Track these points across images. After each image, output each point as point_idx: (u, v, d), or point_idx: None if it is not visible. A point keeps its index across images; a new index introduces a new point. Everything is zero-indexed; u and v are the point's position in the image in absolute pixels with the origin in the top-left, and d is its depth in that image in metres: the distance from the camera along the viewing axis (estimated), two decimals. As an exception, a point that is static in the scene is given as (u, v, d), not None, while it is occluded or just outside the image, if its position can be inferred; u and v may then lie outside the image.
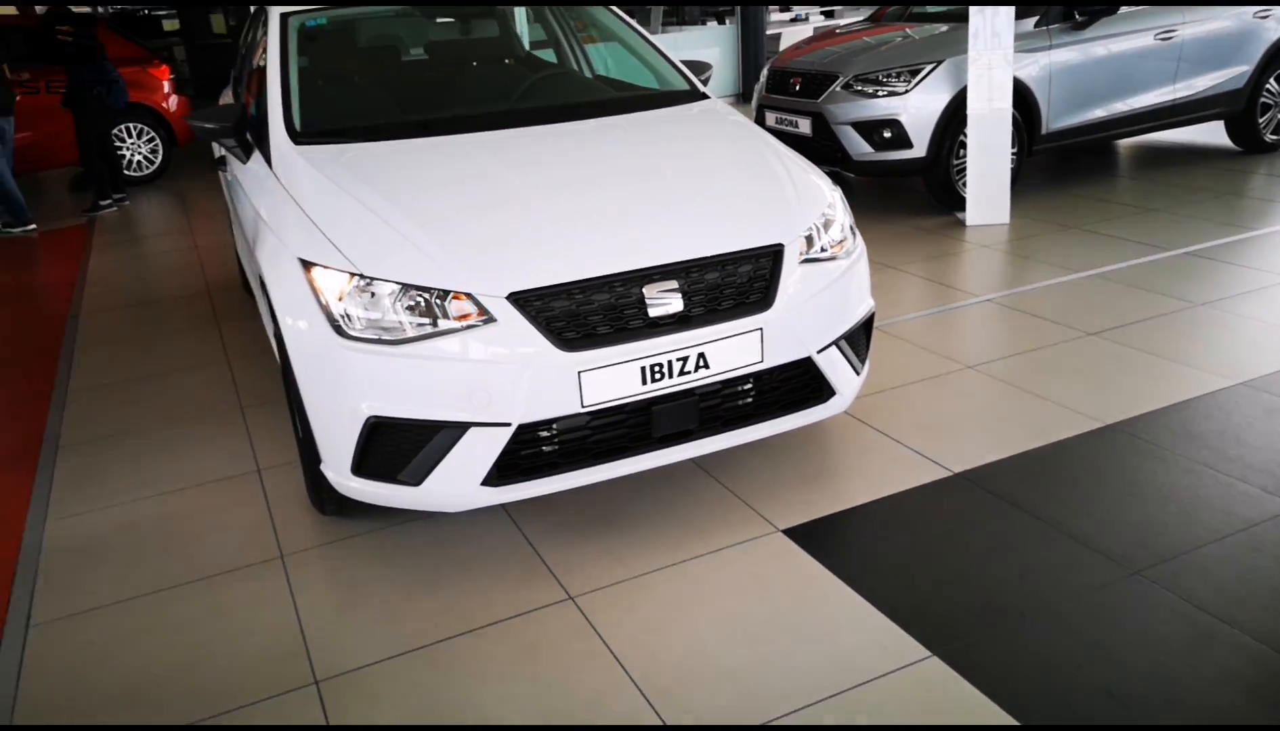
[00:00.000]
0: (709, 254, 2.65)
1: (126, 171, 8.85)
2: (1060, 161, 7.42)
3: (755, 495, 3.03)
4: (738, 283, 2.68)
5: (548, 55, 4.56)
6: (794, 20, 13.06)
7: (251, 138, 3.43)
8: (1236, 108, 6.95)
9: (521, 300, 2.48)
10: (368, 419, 2.52)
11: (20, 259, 7.01)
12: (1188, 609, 2.39)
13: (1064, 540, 2.70)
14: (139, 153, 9.13)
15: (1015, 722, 2.08)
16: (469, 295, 2.49)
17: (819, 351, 2.81)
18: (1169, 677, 2.18)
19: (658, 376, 2.57)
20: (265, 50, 3.58)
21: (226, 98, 5.10)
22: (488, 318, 2.47)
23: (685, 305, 2.60)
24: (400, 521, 3.01)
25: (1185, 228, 5.53)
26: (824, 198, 3.00)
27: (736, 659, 2.33)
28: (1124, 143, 7.71)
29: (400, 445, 2.55)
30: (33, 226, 7.46)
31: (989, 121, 5.76)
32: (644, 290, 2.57)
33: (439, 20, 4.07)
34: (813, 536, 2.81)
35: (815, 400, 2.88)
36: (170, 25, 16.51)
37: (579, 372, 2.49)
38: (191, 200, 8.46)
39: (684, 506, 2.99)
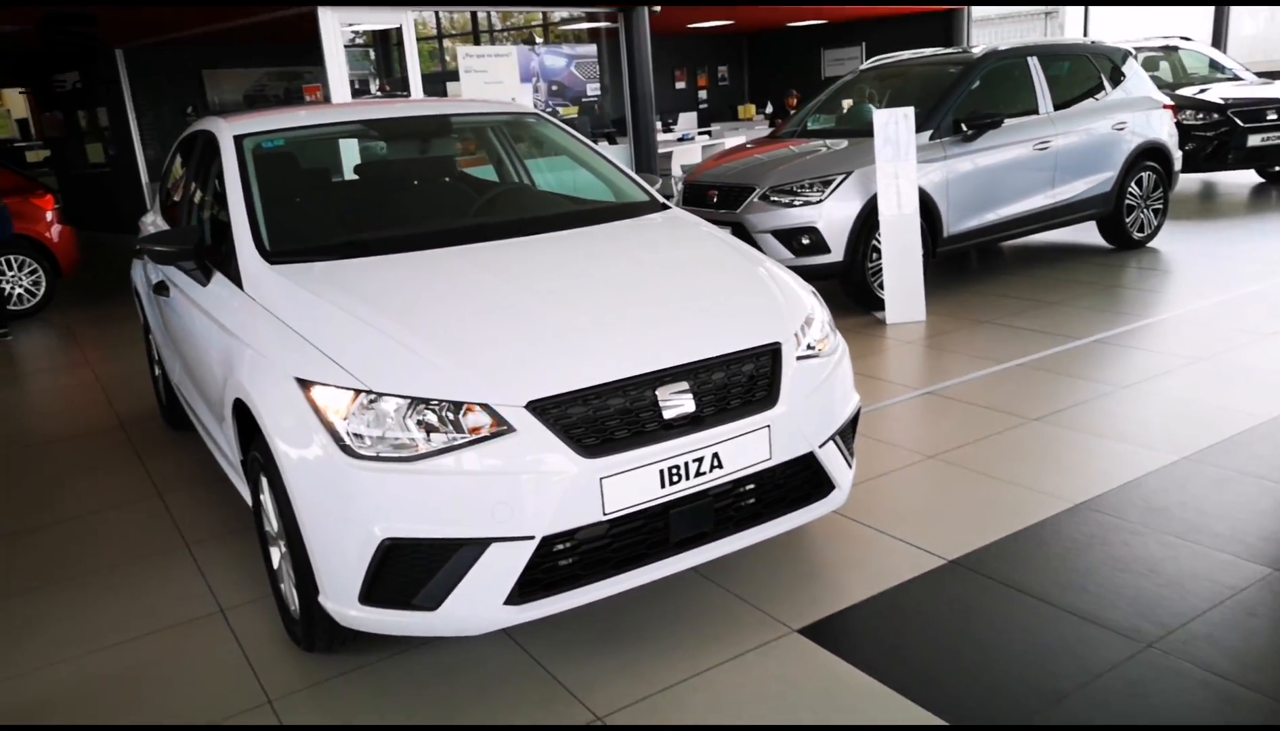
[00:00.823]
0: (715, 354, 2.67)
1: (7, 305, 8.34)
2: (953, 263, 7.89)
3: (760, 596, 2.99)
4: (743, 381, 2.71)
5: (487, 172, 4.60)
6: (680, 140, 13.64)
7: (209, 261, 3.31)
8: (1107, 209, 7.59)
9: (540, 408, 2.43)
10: (382, 541, 2.38)
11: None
12: (1209, 677, 2.46)
13: (1070, 618, 2.76)
14: (20, 285, 8.63)
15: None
16: (485, 406, 2.42)
17: (820, 446, 2.85)
18: (1212, 744, 2.22)
19: (675, 479, 2.55)
20: (220, 173, 3.49)
21: (151, 222, 4.91)
22: (505, 428, 2.41)
23: (697, 406, 2.60)
24: (394, 652, 2.83)
25: (1087, 318, 5.92)
26: (806, 299, 3.09)
27: (790, 767, 2.25)
28: (1007, 244, 8.26)
29: (415, 568, 2.42)
30: None
31: (900, 225, 6.10)
32: (657, 393, 2.56)
33: (396, 140, 4.06)
34: (828, 633, 2.78)
35: (817, 496, 2.90)
36: (36, 156, 15.92)
37: (600, 479, 2.44)
38: (80, 331, 8.01)
39: (692, 614, 2.93)
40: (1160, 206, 7.92)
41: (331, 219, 3.60)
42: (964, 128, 6.70)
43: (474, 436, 2.40)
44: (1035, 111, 7.17)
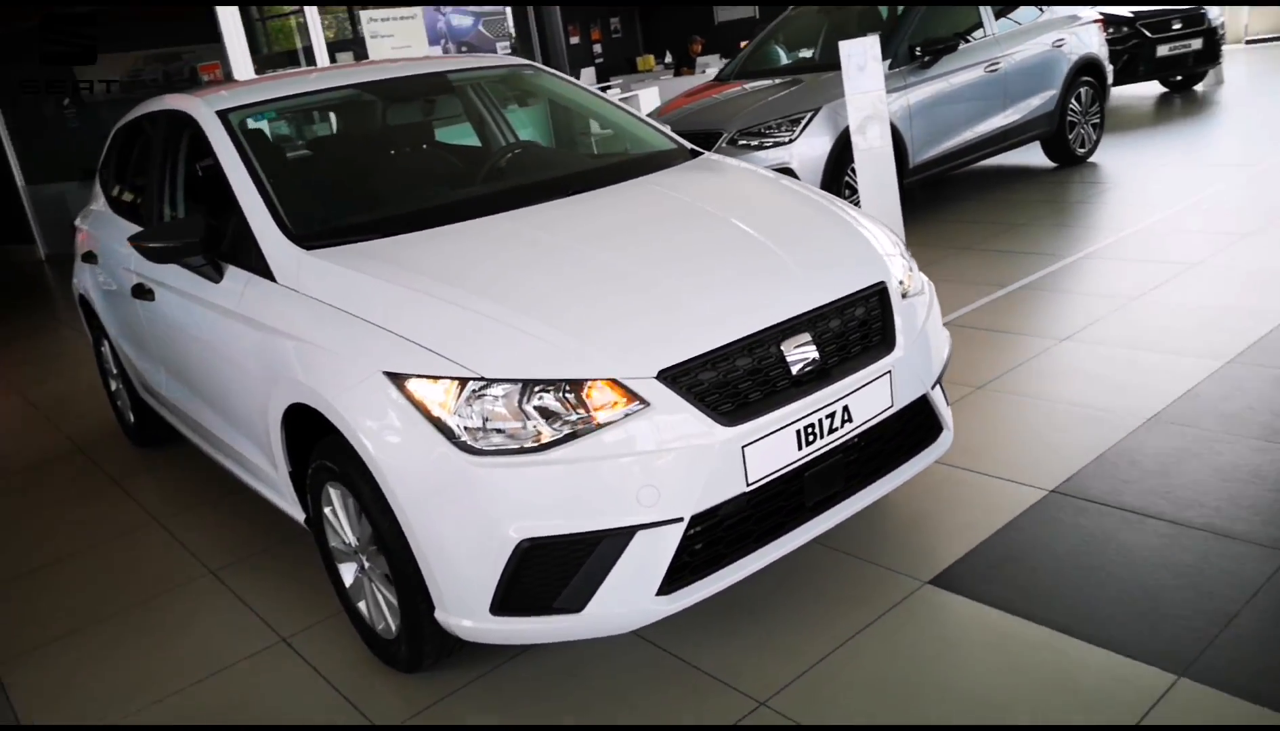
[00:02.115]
0: (829, 300, 2.48)
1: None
2: (908, 197, 7.85)
3: (874, 552, 2.85)
4: (857, 327, 2.54)
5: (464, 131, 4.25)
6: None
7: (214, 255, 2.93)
8: (1052, 127, 7.66)
9: (671, 377, 2.20)
10: (519, 543, 2.13)
11: None
12: (1365, 575, 2.43)
13: (1199, 534, 2.69)
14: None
15: (1307, 725, 2.00)
16: (611, 381, 2.18)
17: (931, 387, 2.70)
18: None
19: (811, 438, 2.36)
20: (206, 156, 3.09)
21: (89, 223, 4.40)
22: (638, 402, 2.17)
23: (821, 357, 2.41)
24: (501, 661, 2.59)
25: (1064, 235, 5.96)
26: (889, 236, 2.93)
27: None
28: (952, 174, 8.28)
29: (555, 568, 2.17)
30: None
31: (874, 157, 5.98)
32: (782, 348, 2.36)
33: (398, 103, 3.68)
34: (960, 581, 2.66)
35: (929, 440, 2.76)
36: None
37: (743, 447, 2.23)
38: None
39: (812, 581, 2.76)
40: (1098, 120, 8.04)
41: (351, 194, 3.23)
42: (920, 54, 6.62)
43: (604, 416, 2.16)
44: (983, 32, 7.14)
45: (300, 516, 2.86)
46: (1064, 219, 6.38)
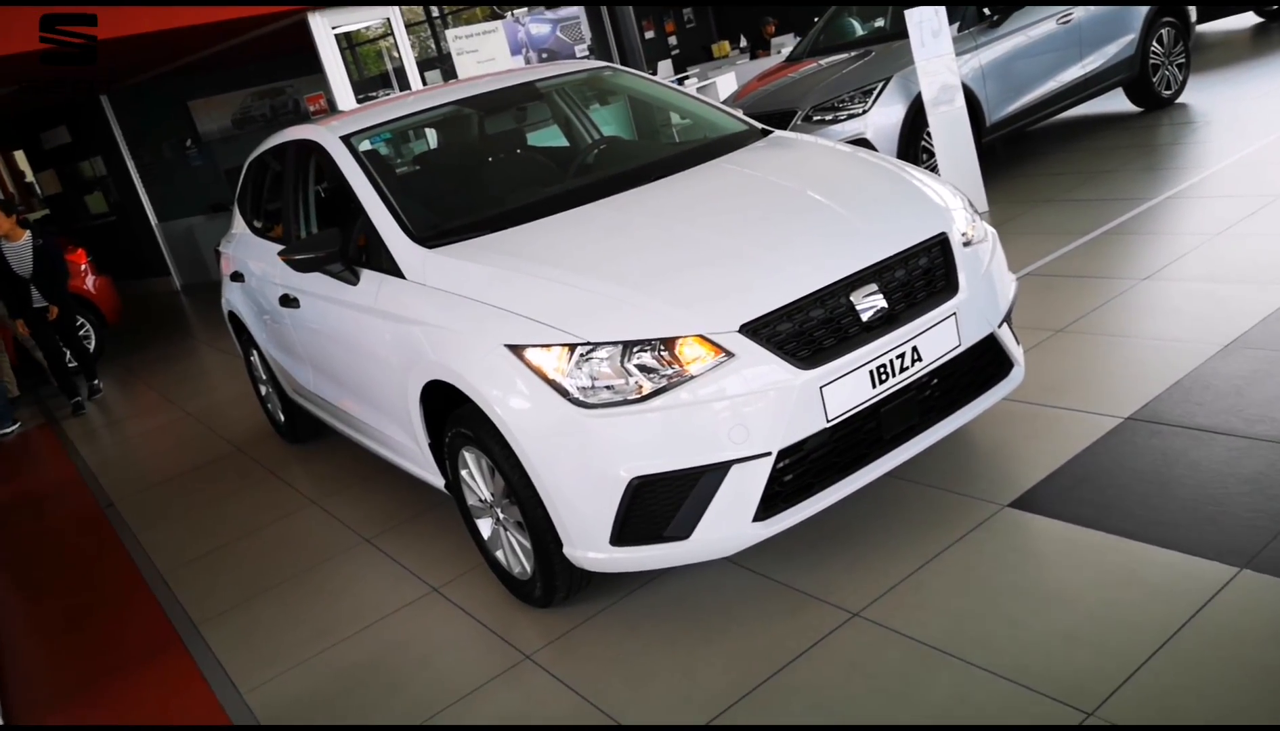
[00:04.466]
0: (893, 252, 2.74)
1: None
2: (992, 155, 7.90)
3: (955, 482, 3.09)
4: (921, 274, 2.79)
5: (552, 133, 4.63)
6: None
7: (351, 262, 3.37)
8: (1133, 72, 7.58)
9: (752, 329, 2.51)
10: (630, 481, 2.47)
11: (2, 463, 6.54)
12: None
13: (1272, 446, 2.84)
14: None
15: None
16: (699, 337, 2.50)
17: (998, 327, 2.93)
18: None
19: (884, 377, 2.63)
20: (336, 177, 3.54)
21: (232, 248, 4.95)
22: (724, 354, 2.49)
23: (889, 304, 2.68)
24: (624, 594, 2.94)
25: (1147, 178, 5.97)
26: (951, 191, 3.15)
27: (1068, 624, 2.34)
28: (1037, 127, 8.27)
29: (663, 501, 2.51)
30: (15, 426, 7.05)
31: (949, 120, 6.12)
32: (851, 298, 2.63)
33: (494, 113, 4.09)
34: (1039, 502, 2.88)
35: (1000, 376, 2.98)
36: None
37: (820, 388, 2.52)
38: (145, 376, 8.08)
39: (895, 510, 3.02)
40: (1183, 61, 7.92)
41: (460, 197, 3.65)
42: (989, 13, 6.70)
43: (695, 368, 2.48)
44: (1052, -16, 7.16)
45: (440, 482, 3.27)
46: (1152, 162, 6.38)
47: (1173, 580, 2.40)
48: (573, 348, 2.54)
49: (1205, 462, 2.86)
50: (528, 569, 2.92)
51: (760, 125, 3.87)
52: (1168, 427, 3.09)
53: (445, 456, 3.08)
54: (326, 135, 3.70)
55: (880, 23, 7.86)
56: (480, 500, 3.04)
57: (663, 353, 2.51)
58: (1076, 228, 5.35)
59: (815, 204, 2.99)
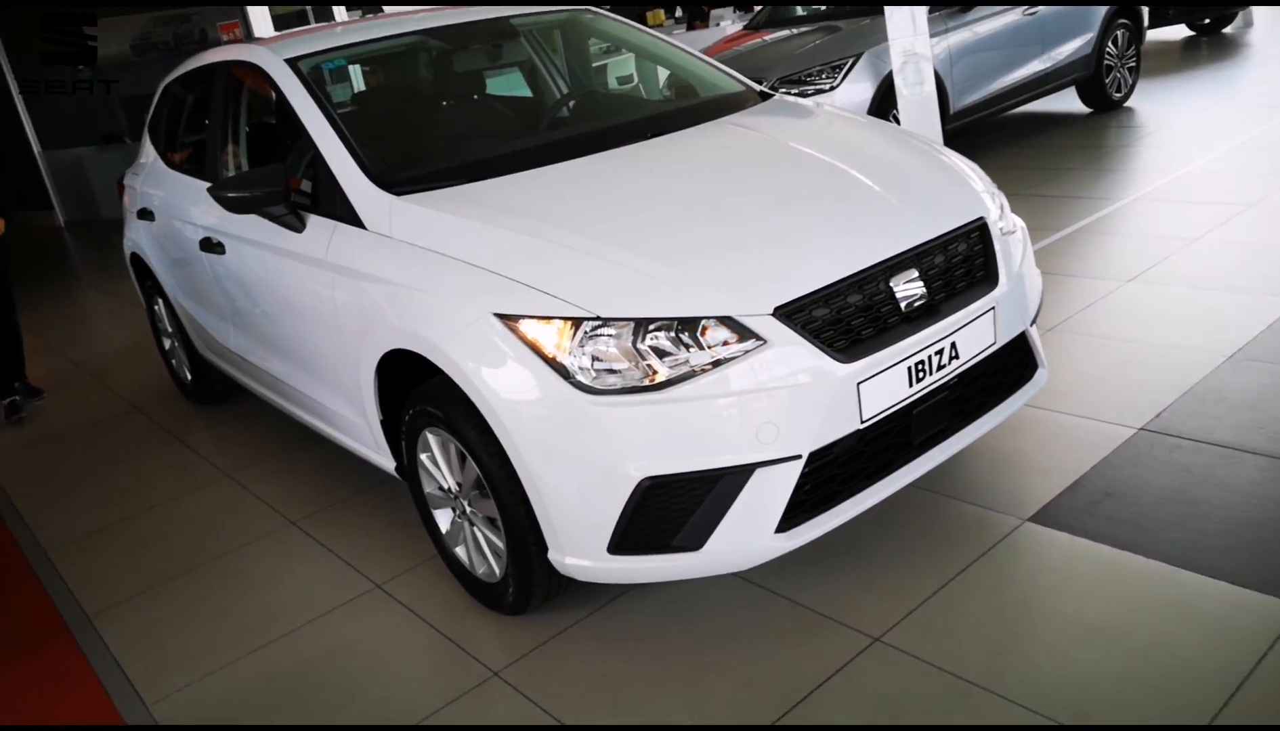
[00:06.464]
0: (934, 236, 2.45)
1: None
2: (950, 144, 7.76)
3: (969, 493, 2.84)
4: (960, 263, 2.50)
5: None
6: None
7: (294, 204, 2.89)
8: (1089, 71, 7.54)
9: (787, 314, 2.17)
10: (640, 482, 2.11)
11: None
12: None
13: (1296, 467, 2.68)
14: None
15: None
16: (726, 319, 2.15)
17: (1030, 324, 2.68)
18: None
19: (921, 375, 2.34)
20: (280, 106, 3.05)
21: (140, 181, 4.35)
22: (755, 340, 2.15)
23: (929, 293, 2.38)
24: (603, 603, 2.59)
25: (1110, 179, 5.89)
26: (980, 173, 2.88)
27: (1120, 663, 2.10)
28: (983, 121, 8.18)
29: (674, 507, 2.16)
30: None
31: (919, 103, 5.89)
32: (891, 284, 2.33)
33: (462, 49, 3.62)
34: (1062, 518, 2.65)
35: (1026, 377, 2.73)
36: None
37: (858, 384, 2.21)
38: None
39: (911, 523, 2.75)
40: (1134, 64, 7.92)
41: (429, 140, 3.19)
42: (957, -2, 6.51)
43: (722, 354, 2.13)
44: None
45: (390, 465, 2.85)
46: (1107, 163, 6.31)
47: (1228, 615, 2.19)
48: (577, 322, 2.15)
49: (1236, 483, 2.67)
50: (496, 571, 2.54)
51: (759, 86, 3.53)
52: (1187, 442, 2.90)
53: (402, 437, 2.67)
54: (269, 56, 3.19)
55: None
56: (442, 489, 2.64)
57: (683, 334, 2.15)
58: (1047, 224, 5.20)
59: (846, 177, 2.66)
